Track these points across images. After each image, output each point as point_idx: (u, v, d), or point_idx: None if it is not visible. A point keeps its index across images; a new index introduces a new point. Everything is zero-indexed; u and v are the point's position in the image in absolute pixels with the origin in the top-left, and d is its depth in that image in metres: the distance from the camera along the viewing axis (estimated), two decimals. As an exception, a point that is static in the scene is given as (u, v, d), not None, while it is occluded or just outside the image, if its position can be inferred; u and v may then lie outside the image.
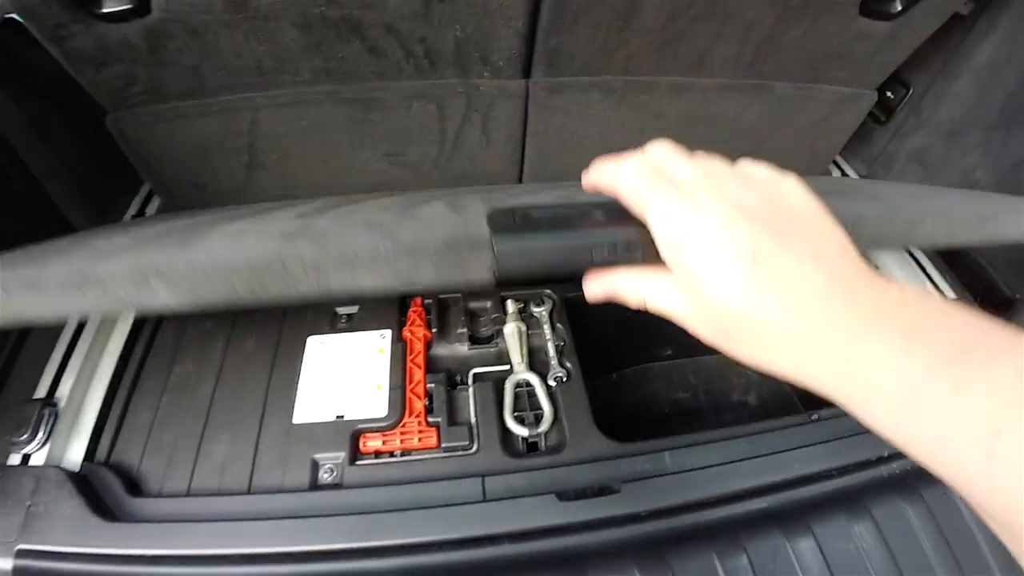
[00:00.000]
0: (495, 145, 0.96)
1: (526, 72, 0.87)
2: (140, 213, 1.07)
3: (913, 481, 0.72)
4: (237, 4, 0.74)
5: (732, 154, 0.89)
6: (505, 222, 0.41)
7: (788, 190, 0.38)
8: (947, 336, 0.30)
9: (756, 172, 0.40)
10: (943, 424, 0.28)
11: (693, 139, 1.00)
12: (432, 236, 0.47)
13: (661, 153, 0.40)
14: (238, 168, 0.98)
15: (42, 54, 0.80)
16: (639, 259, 0.39)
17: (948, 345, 0.29)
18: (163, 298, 0.46)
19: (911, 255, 1.09)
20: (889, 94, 1.13)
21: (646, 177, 0.38)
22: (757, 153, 1.06)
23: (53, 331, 0.87)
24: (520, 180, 1.04)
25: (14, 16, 0.74)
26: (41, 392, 0.80)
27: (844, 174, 1.23)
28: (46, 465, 0.72)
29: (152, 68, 0.83)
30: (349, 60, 0.83)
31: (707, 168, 0.39)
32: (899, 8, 0.86)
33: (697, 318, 0.37)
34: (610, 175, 0.41)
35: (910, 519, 0.69)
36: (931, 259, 1.07)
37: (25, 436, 0.73)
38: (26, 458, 0.73)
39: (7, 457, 0.73)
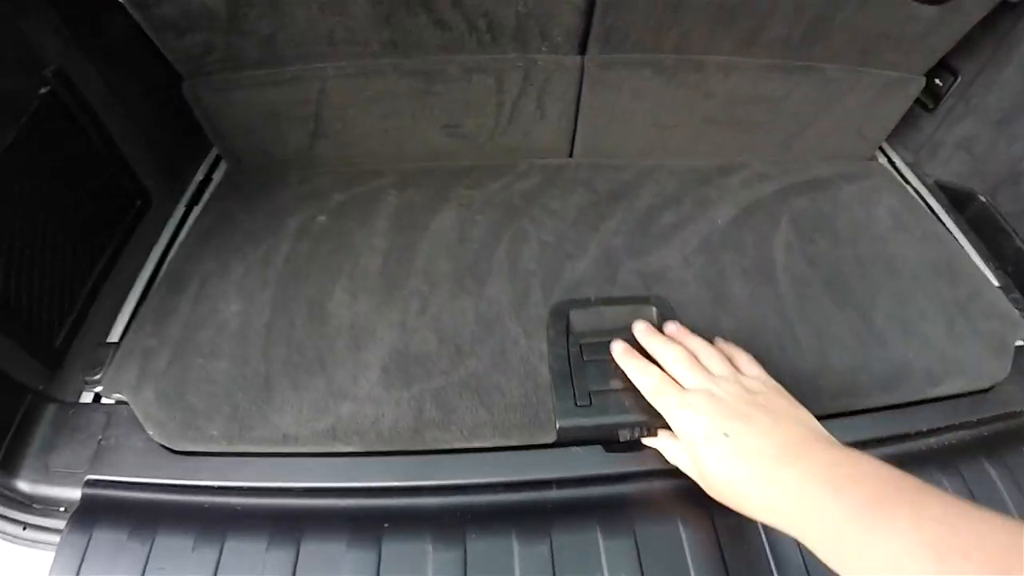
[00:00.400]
0: (549, 119, 0.99)
1: (582, 48, 0.90)
2: (207, 178, 1.13)
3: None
4: (315, -25, 0.79)
5: (779, 134, 0.92)
6: (565, 407, 0.69)
7: (764, 390, 0.56)
8: (867, 490, 0.41)
9: (747, 380, 0.58)
10: (860, 556, 0.38)
11: (740, 118, 1.03)
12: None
13: (671, 361, 0.61)
14: (304, 136, 1.03)
15: (122, 21, 0.86)
16: (656, 429, 0.65)
17: (866, 497, 0.40)
18: None
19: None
20: (937, 81, 1.12)
21: (660, 387, 0.59)
22: (803, 135, 1.08)
23: (129, 276, 0.94)
24: (571, 155, 1.07)
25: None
26: (115, 336, 0.86)
27: (890, 161, 1.22)
28: (116, 403, 0.76)
29: (230, 36, 0.88)
30: (415, 32, 0.87)
31: (704, 377, 0.58)
32: None
33: (695, 472, 0.57)
34: (635, 378, 0.63)
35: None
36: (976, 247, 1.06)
37: (98, 376, 0.78)
38: (97, 396, 0.78)
39: (80, 395, 0.78)
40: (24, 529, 0.66)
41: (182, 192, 1.09)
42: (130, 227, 1.00)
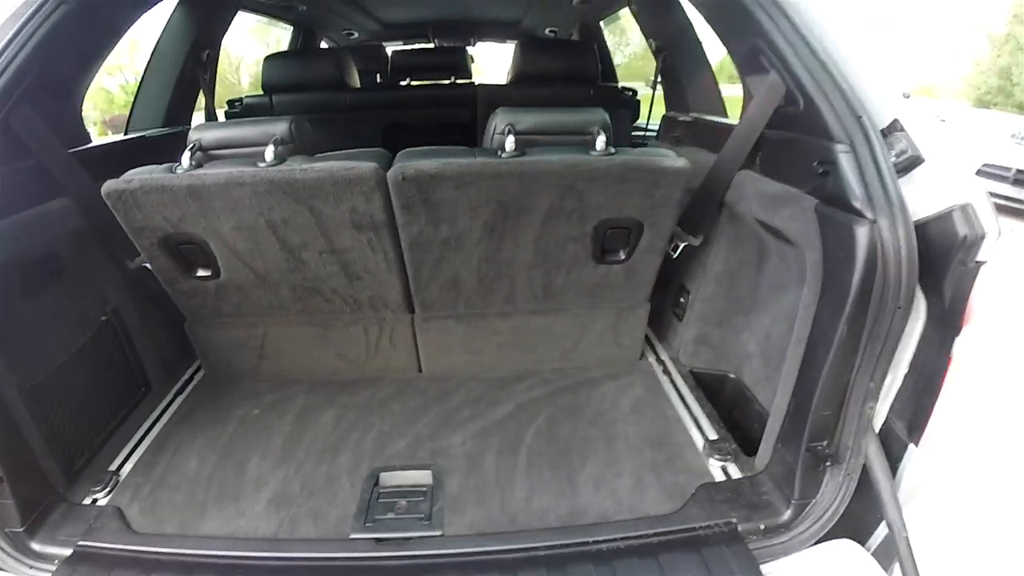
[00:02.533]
0: (400, 351, 1.57)
1: (411, 310, 1.50)
2: (192, 376, 1.71)
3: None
4: (261, 277, 1.43)
5: (557, 351, 1.69)
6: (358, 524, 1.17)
7: None
8: None
9: None
10: None
11: (524, 344, 1.60)
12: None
13: None
14: (253, 357, 1.62)
15: (155, 283, 1.50)
16: None
17: None
18: None
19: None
20: (682, 299, 1.66)
21: None
22: (576, 349, 1.63)
23: (128, 432, 1.46)
24: (420, 371, 1.63)
25: (147, 266, 1.45)
26: (114, 466, 1.36)
27: (659, 358, 1.71)
28: (106, 506, 1.24)
29: (216, 301, 1.52)
30: (315, 306, 1.49)
31: None
32: (623, 257, 1.43)
33: None
34: None
35: None
36: None
37: (99, 489, 1.28)
38: (95, 501, 1.26)
39: (84, 499, 1.27)
40: (31, 569, 1.09)
41: (175, 383, 1.67)
42: (135, 404, 1.55)
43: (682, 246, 1.51)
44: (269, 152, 1.23)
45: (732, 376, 1.57)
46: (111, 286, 1.51)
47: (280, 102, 2.33)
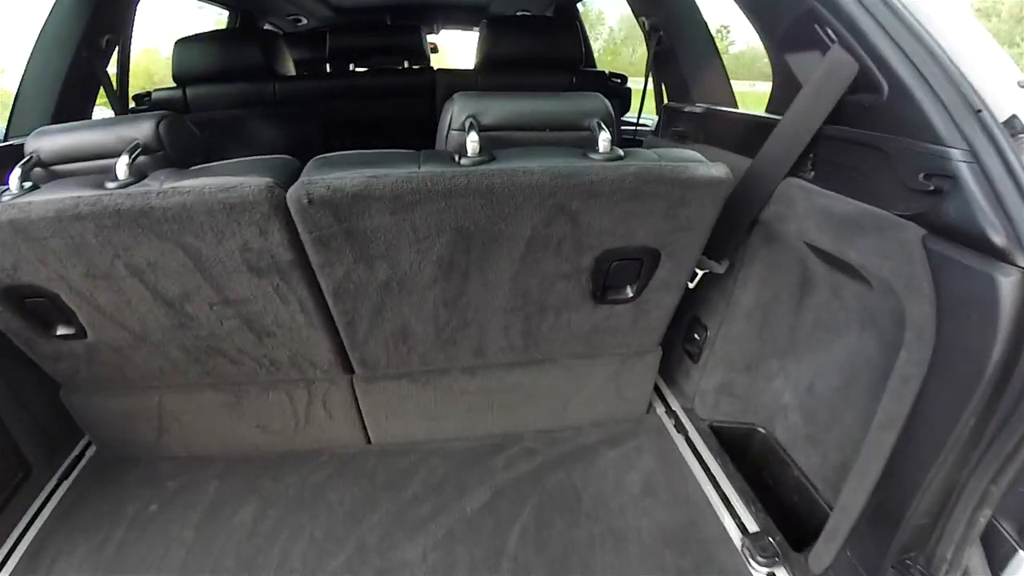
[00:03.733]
0: (338, 420, 1.19)
1: (350, 370, 1.12)
2: (81, 454, 1.31)
3: None
4: (139, 337, 1.03)
5: (544, 410, 1.22)
6: None
7: None
8: None
9: None
10: None
11: (501, 404, 1.21)
12: None
13: None
14: (150, 431, 1.22)
15: (13, 345, 1.09)
16: None
17: None
18: None
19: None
20: (696, 335, 1.29)
21: None
22: (568, 408, 1.25)
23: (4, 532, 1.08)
24: (369, 442, 1.25)
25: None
26: None
27: (669, 409, 1.36)
28: None
29: (90, 365, 1.11)
30: (219, 368, 1.10)
31: None
32: (631, 294, 1.06)
33: None
34: None
35: None
36: None
37: None
38: None
39: None
40: None
41: (58, 465, 1.26)
42: (8, 498, 1.15)
43: (700, 274, 1.16)
44: (121, 166, 0.84)
45: (761, 431, 1.24)
46: None
47: (196, 95, 1.89)
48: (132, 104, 1.97)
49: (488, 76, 1.89)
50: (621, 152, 0.87)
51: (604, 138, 0.86)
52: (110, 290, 0.94)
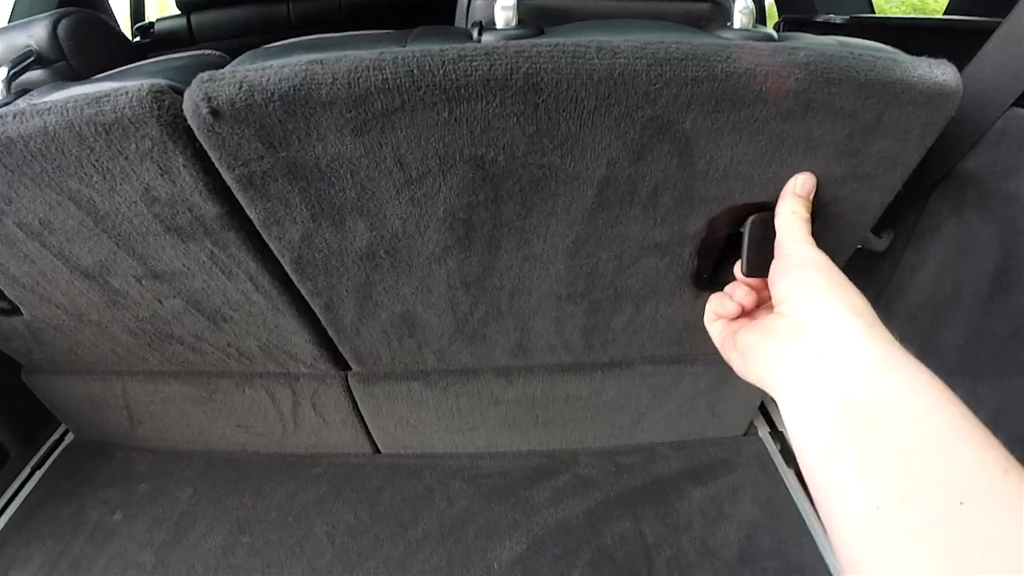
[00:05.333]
0: (333, 424, 0.89)
1: (344, 366, 0.81)
2: (61, 439, 1.11)
3: None
4: (74, 316, 0.77)
5: (606, 427, 0.93)
6: None
7: None
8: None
9: None
10: None
11: (549, 418, 0.87)
12: None
13: None
14: (123, 420, 0.99)
15: None
16: None
17: None
18: None
19: None
20: None
21: None
22: (640, 425, 0.89)
23: None
24: (377, 451, 0.95)
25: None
26: None
27: (775, 431, 0.98)
28: None
29: (40, 346, 0.88)
30: (178, 356, 0.82)
31: None
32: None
33: None
34: None
35: None
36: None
37: None
38: None
39: None
40: None
41: (36, 450, 1.08)
42: None
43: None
44: None
45: None
46: None
47: (201, 23, 1.60)
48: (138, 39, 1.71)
49: None
50: (773, 32, 0.48)
51: (743, 7, 0.47)
52: (16, 257, 0.67)
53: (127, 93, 0.46)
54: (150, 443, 1.02)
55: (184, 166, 0.50)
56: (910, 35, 0.83)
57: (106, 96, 0.46)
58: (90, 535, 0.90)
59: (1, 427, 1.03)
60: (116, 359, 0.87)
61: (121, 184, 0.53)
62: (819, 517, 0.73)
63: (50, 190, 0.55)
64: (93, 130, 0.48)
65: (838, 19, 0.97)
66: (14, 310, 0.79)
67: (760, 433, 0.97)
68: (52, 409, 1.03)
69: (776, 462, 0.92)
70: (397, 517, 0.85)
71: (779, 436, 0.96)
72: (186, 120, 0.46)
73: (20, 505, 0.97)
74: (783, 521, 0.81)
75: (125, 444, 1.04)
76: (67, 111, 0.48)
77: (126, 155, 0.50)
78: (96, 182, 0.53)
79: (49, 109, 0.48)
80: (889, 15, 0.91)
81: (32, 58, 0.62)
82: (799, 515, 0.82)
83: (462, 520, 0.83)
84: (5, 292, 0.75)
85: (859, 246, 0.75)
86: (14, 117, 0.50)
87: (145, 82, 0.46)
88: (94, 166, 0.52)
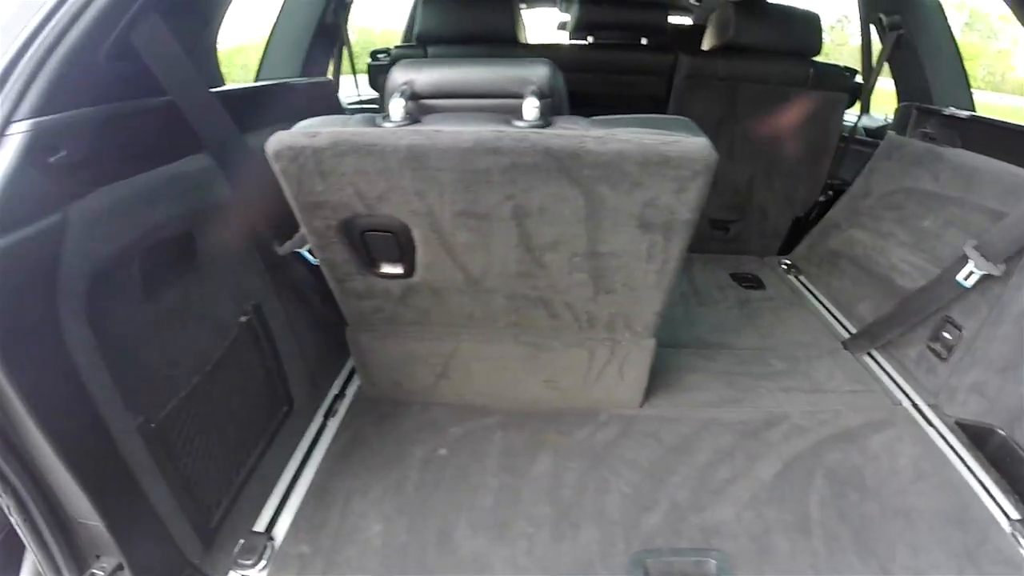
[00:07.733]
0: (627, 382, 1.18)
1: (655, 335, 1.11)
2: (341, 393, 1.30)
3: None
4: (472, 281, 1.03)
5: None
6: None
7: None
8: None
9: None
10: None
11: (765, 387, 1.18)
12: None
13: None
14: (431, 376, 1.22)
15: (303, 269, 1.09)
16: None
17: None
18: None
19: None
20: (946, 334, 1.27)
21: None
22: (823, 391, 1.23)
23: (271, 474, 1.05)
24: (641, 406, 1.24)
25: (303, 252, 1.05)
26: (260, 526, 0.96)
27: (914, 404, 1.32)
28: None
29: (397, 306, 1.11)
30: (534, 319, 1.10)
31: None
32: None
33: None
34: None
35: None
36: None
37: (251, 562, 0.89)
38: None
39: (226, 573, 0.89)
40: None
41: (320, 402, 1.26)
42: (275, 431, 1.13)
43: (978, 275, 1.13)
44: (530, 107, 0.82)
45: (1000, 431, 1.20)
46: (252, 276, 1.09)
47: (436, 56, 1.89)
48: (369, 60, 2.00)
49: (730, 60, 1.83)
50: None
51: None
52: (476, 231, 0.93)
53: (692, 144, 0.78)
54: (446, 399, 1.24)
55: (697, 188, 0.81)
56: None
57: (676, 140, 0.78)
58: (423, 466, 1.09)
59: (295, 379, 1.20)
60: (467, 321, 1.12)
61: (636, 190, 0.83)
62: (954, 455, 1.12)
63: (578, 188, 0.85)
64: (657, 156, 0.79)
65: (963, 114, 1.40)
66: (405, 273, 1.02)
67: (904, 404, 1.33)
68: (359, 363, 1.24)
69: (920, 424, 1.26)
70: (681, 449, 1.13)
71: (917, 408, 1.32)
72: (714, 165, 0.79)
73: (328, 449, 1.12)
74: (935, 456, 1.15)
75: (420, 399, 1.25)
76: (644, 143, 0.79)
77: (663, 176, 0.81)
78: (622, 187, 0.84)
79: (628, 140, 0.79)
80: (1003, 120, 1.35)
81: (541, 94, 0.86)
82: (942, 453, 1.16)
83: (731, 451, 1.13)
84: (419, 257, 0.97)
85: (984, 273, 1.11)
86: (597, 139, 0.79)
87: (701, 138, 0.78)
88: (631, 179, 0.82)
